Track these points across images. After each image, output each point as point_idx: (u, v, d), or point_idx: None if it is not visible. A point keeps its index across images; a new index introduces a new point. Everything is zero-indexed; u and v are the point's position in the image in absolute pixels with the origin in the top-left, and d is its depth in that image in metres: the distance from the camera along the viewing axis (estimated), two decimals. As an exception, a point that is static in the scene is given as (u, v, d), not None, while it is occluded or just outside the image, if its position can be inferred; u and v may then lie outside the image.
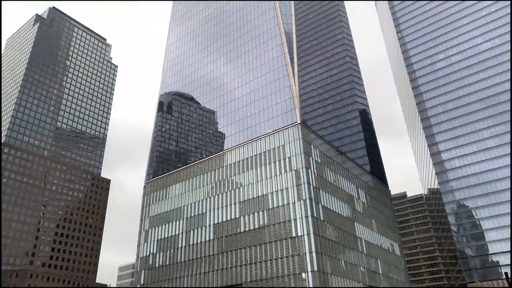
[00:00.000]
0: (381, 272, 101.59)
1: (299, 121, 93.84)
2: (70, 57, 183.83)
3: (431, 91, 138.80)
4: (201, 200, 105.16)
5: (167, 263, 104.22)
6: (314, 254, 79.26)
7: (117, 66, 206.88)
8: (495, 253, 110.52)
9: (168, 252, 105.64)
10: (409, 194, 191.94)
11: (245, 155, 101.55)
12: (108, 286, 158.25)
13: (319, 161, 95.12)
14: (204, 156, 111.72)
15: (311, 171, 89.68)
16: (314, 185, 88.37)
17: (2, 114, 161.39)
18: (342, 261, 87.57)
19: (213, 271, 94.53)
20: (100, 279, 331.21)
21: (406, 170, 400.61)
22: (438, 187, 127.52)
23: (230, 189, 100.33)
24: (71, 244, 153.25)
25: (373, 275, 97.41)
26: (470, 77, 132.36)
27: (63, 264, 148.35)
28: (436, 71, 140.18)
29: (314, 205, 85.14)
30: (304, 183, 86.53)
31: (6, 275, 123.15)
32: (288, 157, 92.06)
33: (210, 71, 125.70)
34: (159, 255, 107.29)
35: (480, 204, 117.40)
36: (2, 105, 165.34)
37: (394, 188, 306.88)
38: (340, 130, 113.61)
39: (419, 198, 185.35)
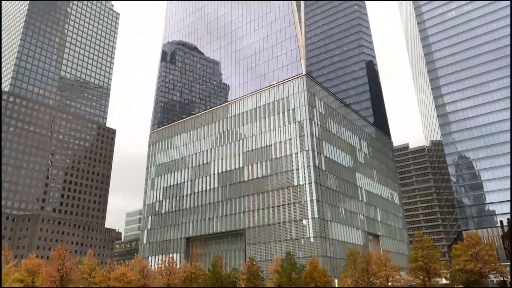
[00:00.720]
0: (379, 220, 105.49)
1: (304, 73, 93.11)
2: (70, 3, 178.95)
3: (440, 42, 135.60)
4: (206, 151, 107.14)
5: (173, 210, 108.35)
6: (315, 202, 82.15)
7: (119, 14, 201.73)
8: (492, 203, 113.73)
9: (174, 199, 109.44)
10: (411, 146, 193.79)
11: (249, 107, 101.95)
12: (117, 230, 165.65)
13: (323, 113, 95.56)
14: (208, 107, 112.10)
15: (314, 122, 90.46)
16: (317, 136, 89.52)
17: (4, 62, 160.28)
18: (342, 209, 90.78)
19: (217, 217, 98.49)
20: (108, 224, 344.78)
21: (410, 122, 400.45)
22: (441, 139, 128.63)
23: (234, 140, 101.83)
24: (80, 191, 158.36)
25: (371, 222, 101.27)
26: (479, 28, 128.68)
27: (73, 210, 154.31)
28: (447, 21, 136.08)
29: (316, 155, 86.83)
30: (307, 134, 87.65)
31: (19, 219, 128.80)
32: (292, 109, 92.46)
33: (214, 19, 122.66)
34: (165, 202, 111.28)
35: (481, 155, 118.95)
36: (4, 54, 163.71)
37: (397, 140, 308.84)
38: (345, 81, 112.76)
39: (421, 149, 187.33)
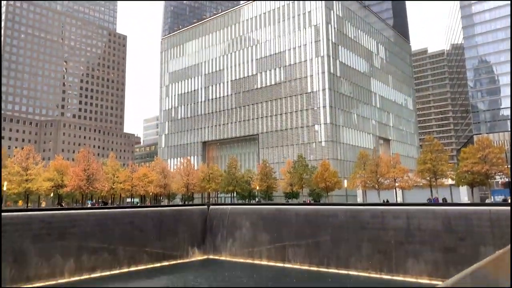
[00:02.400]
0: (391, 125, 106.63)
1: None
2: None
3: None
4: (219, 57, 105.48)
5: (189, 116, 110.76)
6: (327, 108, 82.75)
7: None
8: (507, 108, 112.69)
9: (189, 105, 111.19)
10: (430, 50, 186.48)
11: (263, 9, 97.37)
12: (136, 135, 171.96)
13: (341, 15, 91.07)
14: (220, 11, 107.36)
15: (331, 26, 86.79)
16: (333, 41, 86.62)
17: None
18: (355, 114, 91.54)
19: (231, 123, 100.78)
20: (127, 130, 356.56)
21: (431, 25, 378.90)
22: (463, 42, 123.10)
23: (247, 46, 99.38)
24: (96, 98, 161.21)
25: (383, 127, 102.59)
26: None
27: (92, 116, 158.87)
28: None
29: (331, 61, 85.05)
30: (323, 39, 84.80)
31: (42, 124, 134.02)
32: (308, 12, 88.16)
33: None
34: (181, 108, 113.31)
35: (502, 59, 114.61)
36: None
37: (416, 44, 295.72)
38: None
39: (440, 54, 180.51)
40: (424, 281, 28.88)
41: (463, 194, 58.43)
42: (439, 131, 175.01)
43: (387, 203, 44.66)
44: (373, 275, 32.17)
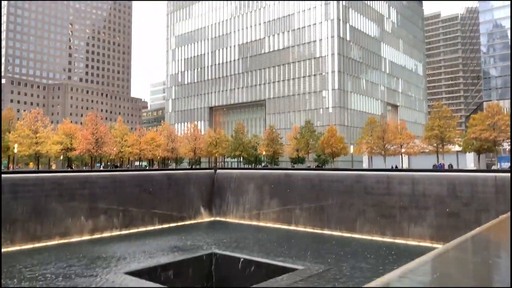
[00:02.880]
0: (400, 91, 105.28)
1: None
2: None
3: None
4: (225, 20, 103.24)
5: (195, 81, 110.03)
6: (336, 73, 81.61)
7: None
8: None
9: (195, 70, 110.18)
10: (443, 15, 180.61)
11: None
12: (143, 100, 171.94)
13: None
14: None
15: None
16: (344, 4, 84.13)
17: None
18: (363, 80, 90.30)
19: (238, 88, 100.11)
20: (134, 94, 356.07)
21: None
22: (478, 5, 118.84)
23: (255, 8, 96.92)
24: (103, 61, 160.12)
25: (392, 93, 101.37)
26: None
27: (99, 80, 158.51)
28: None
29: (341, 25, 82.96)
30: (333, 1, 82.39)
31: (49, 88, 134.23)
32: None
33: None
34: (187, 73, 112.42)
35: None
36: None
37: (428, 8, 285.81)
38: None
39: (453, 18, 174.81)
40: (426, 244, 29.52)
41: (470, 160, 58.46)
42: (448, 98, 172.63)
43: (395, 169, 44.84)
44: (376, 238, 32.90)
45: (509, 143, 54.41)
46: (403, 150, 55.61)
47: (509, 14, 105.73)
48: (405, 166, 59.35)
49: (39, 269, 22.79)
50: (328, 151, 61.35)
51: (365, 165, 66.85)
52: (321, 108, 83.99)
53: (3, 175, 33.38)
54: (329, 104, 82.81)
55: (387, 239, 32.39)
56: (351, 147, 61.01)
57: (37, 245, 30.05)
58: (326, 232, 35.96)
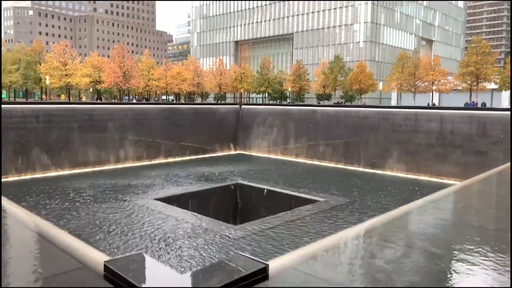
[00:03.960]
0: (437, 25, 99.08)
1: None
2: None
3: None
4: None
5: (221, 13, 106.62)
6: (369, 4, 77.04)
7: None
8: None
9: (221, 1, 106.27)
10: None
11: None
12: (168, 33, 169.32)
13: None
14: None
15: None
16: None
17: None
18: (398, 12, 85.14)
19: (265, 21, 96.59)
20: (159, 27, 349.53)
21: None
22: None
23: None
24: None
25: (427, 27, 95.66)
26: None
27: (123, 12, 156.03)
28: None
29: (377, -51, 76.77)
30: None
31: (75, 20, 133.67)
32: None
33: None
34: (213, 5, 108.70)
35: None
36: None
37: None
38: None
39: None
40: (451, 182, 29.45)
41: (505, 99, 56.08)
42: (488, 32, 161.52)
43: (428, 107, 43.35)
44: (400, 174, 33.03)
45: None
46: (434, 87, 53.68)
47: None
48: (435, 103, 57.70)
49: (77, 191, 24.44)
50: (356, 88, 59.97)
51: (393, 102, 65.34)
52: (352, 42, 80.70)
53: (40, 106, 34.68)
54: (360, 38, 79.33)
55: (411, 176, 32.49)
56: (380, 84, 59.32)
57: (72, 171, 31.88)
58: (350, 167, 36.30)
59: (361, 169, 35.46)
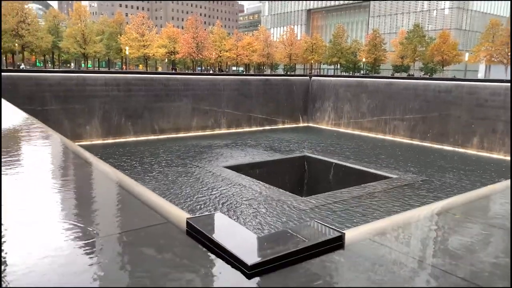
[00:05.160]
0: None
1: None
2: None
3: None
4: None
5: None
6: (457, -34, 70.07)
7: None
8: None
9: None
10: None
11: None
12: (239, 3, 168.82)
13: None
14: None
15: None
16: None
17: None
18: (492, -26, 76.50)
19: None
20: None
21: None
22: None
23: None
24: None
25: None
26: None
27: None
28: None
29: None
30: None
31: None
32: None
33: None
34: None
35: None
36: None
37: None
38: None
39: None
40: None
41: None
42: None
43: None
44: (483, 153, 30.56)
45: None
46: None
47: None
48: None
49: (155, 156, 26.18)
50: (438, 59, 55.73)
51: (480, 75, 59.85)
52: (435, 9, 74.50)
53: (120, 75, 37.13)
54: (445, 4, 72.86)
55: (495, 155, 29.94)
56: (466, 54, 54.45)
57: (150, 137, 34.01)
58: (427, 144, 34.33)
59: (439, 146, 33.40)
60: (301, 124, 45.61)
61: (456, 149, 32.08)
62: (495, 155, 30.05)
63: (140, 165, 23.64)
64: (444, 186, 20.40)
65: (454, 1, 71.03)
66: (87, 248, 2.13)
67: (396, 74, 61.00)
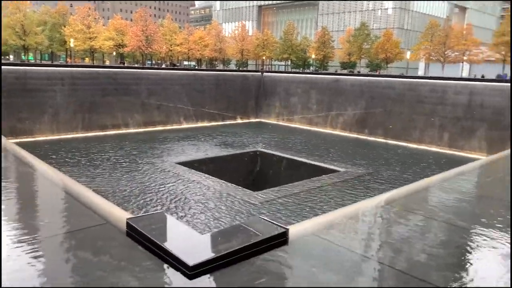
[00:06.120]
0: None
1: None
2: None
3: None
4: None
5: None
6: (400, -32, 73.43)
7: None
8: None
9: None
10: None
11: None
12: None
13: None
14: None
15: None
16: None
17: None
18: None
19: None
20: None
21: None
22: None
23: None
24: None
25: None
26: None
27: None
28: None
29: None
30: None
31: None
32: None
33: None
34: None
35: None
36: None
37: None
38: None
39: None
40: (477, 156, 28.77)
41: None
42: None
43: (477, 79, 40.90)
44: (423, 147, 32.42)
45: None
46: (465, 57, 51.54)
47: None
48: (465, 75, 55.58)
49: (103, 152, 25.19)
50: (382, 57, 58.22)
51: (420, 72, 63.34)
52: (380, 9, 77.64)
53: (64, 68, 35.17)
54: (389, 4, 76.15)
55: (434, 149, 31.88)
56: (408, 53, 57.34)
57: (98, 133, 32.67)
58: (372, 138, 35.82)
59: (383, 140, 34.97)
60: (253, 120, 45.87)
61: (399, 143, 33.77)
62: (434, 149, 32.00)
63: (87, 162, 22.66)
64: (390, 178, 21.42)
65: (397, 1, 74.43)
66: (21, 251, 2.01)
67: (344, 71, 62.99)
